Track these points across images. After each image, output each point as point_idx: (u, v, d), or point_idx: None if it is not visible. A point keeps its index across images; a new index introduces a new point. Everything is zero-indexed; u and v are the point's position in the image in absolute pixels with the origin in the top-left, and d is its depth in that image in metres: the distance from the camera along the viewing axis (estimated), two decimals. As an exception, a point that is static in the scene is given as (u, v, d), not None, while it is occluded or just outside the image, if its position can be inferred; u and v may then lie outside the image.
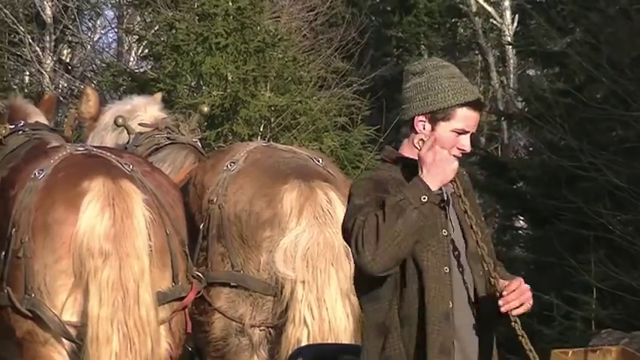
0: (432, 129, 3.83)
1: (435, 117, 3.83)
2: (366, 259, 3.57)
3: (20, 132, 6.08)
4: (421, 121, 3.86)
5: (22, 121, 6.21)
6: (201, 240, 5.60)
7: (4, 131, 6.03)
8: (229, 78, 20.08)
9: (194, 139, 6.88)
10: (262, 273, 5.48)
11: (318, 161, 5.98)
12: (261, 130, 18.60)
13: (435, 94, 3.83)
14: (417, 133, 3.85)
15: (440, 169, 3.70)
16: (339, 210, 5.35)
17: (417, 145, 3.79)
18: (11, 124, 6.13)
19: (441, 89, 3.84)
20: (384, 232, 3.55)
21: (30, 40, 24.33)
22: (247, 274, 5.50)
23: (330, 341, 5.05)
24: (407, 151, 3.91)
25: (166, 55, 21.52)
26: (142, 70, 25.43)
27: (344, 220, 3.77)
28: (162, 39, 25.14)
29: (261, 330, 5.51)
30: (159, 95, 8.05)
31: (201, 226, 5.61)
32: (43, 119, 6.42)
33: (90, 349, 4.84)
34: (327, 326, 5.21)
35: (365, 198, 3.71)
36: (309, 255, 5.35)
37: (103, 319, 4.81)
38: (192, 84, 21.30)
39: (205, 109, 8.17)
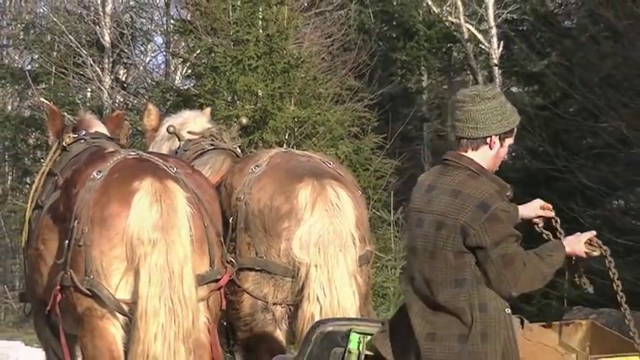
0: (501, 145, 3.98)
1: (503, 135, 3.98)
2: (513, 288, 3.90)
3: (82, 140, 6.10)
4: (494, 139, 3.97)
5: (84, 131, 6.24)
6: (231, 232, 5.68)
7: (68, 140, 6.05)
8: (259, 94, 20.12)
9: (234, 146, 6.90)
10: (282, 258, 5.52)
11: (329, 164, 6.02)
12: (287, 137, 18.62)
13: (507, 117, 3.96)
14: (490, 148, 3.96)
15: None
16: (346, 204, 5.48)
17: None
18: (75, 134, 6.17)
19: (509, 113, 3.99)
20: (538, 274, 3.97)
21: (91, 62, 24.49)
22: (269, 259, 5.56)
23: (339, 316, 5.02)
24: (485, 163, 3.99)
25: (206, 75, 21.54)
26: (185, 87, 25.47)
27: (502, 238, 3.88)
28: (203, 61, 25.18)
29: (282, 307, 5.56)
30: (208, 110, 8.13)
31: (230, 220, 5.68)
32: (102, 129, 6.46)
33: (140, 322, 4.89)
34: (336, 303, 5.27)
35: (513, 225, 3.97)
36: (321, 242, 5.40)
37: (151, 296, 4.87)
38: (228, 99, 21.33)
39: (244, 120, 8.29)
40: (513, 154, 20.42)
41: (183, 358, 4.86)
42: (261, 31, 23.30)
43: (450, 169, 3.96)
